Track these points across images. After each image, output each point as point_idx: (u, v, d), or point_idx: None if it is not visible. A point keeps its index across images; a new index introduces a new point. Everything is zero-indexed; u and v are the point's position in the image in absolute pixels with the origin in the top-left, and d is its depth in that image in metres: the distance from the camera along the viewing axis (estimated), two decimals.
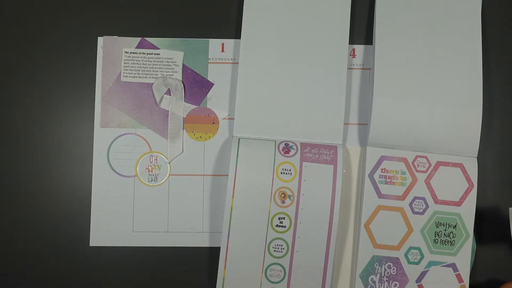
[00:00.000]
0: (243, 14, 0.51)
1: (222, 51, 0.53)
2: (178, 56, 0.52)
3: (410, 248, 0.49)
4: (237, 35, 0.53)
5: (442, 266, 0.48)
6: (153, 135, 0.52)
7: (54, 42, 0.53)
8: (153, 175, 0.51)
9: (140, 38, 0.52)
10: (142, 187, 0.51)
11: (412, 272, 0.49)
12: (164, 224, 0.51)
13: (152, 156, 0.52)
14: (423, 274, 0.49)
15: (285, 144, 0.49)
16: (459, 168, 0.49)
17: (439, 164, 0.49)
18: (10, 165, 0.52)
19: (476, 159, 0.49)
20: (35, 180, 0.51)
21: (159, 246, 0.51)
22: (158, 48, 0.52)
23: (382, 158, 0.50)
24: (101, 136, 0.52)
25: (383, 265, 0.49)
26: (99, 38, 0.52)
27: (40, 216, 0.51)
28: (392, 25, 0.51)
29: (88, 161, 0.51)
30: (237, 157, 0.48)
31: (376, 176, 0.49)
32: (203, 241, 0.51)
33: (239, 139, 0.49)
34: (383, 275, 0.49)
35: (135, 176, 0.51)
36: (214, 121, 0.52)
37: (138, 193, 0.51)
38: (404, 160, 0.49)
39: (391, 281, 0.49)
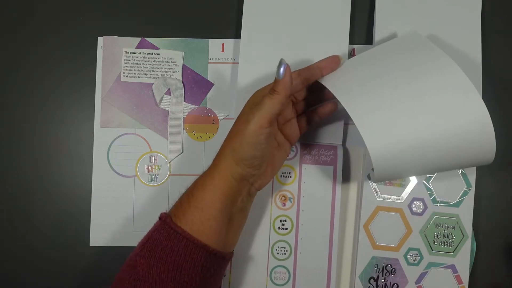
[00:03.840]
0: (243, 14, 0.51)
1: (222, 51, 0.52)
2: (178, 56, 0.52)
3: (410, 249, 0.49)
4: (237, 35, 0.52)
5: (442, 267, 0.49)
6: (153, 135, 0.52)
7: (54, 42, 0.53)
8: (153, 175, 0.52)
9: (140, 38, 0.52)
10: (142, 187, 0.51)
11: (411, 273, 0.49)
12: None
13: (152, 156, 0.52)
14: (422, 275, 0.49)
15: None
16: (457, 169, 0.49)
17: None
18: (10, 165, 0.52)
19: None
20: (35, 180, 0.52)
21: None
22: (158, 48, 0.52)
23: None
24: (101, 136, 0.52)
25: (383, 266, 0.49)
26: (99, 38, 0.52)
27: (40, 216, 0.51)
28: (392, 25, 0.51)
29: (88, 161, 0.52)
30: None
31: None
32: None
33: None
34: (382, 276, 0.49)
35: (135, 176, 0.51)
36: (214, 121, 0.52)
37: (138, 193, 0.51)
38: None
39: (390, 282, 0.49)
